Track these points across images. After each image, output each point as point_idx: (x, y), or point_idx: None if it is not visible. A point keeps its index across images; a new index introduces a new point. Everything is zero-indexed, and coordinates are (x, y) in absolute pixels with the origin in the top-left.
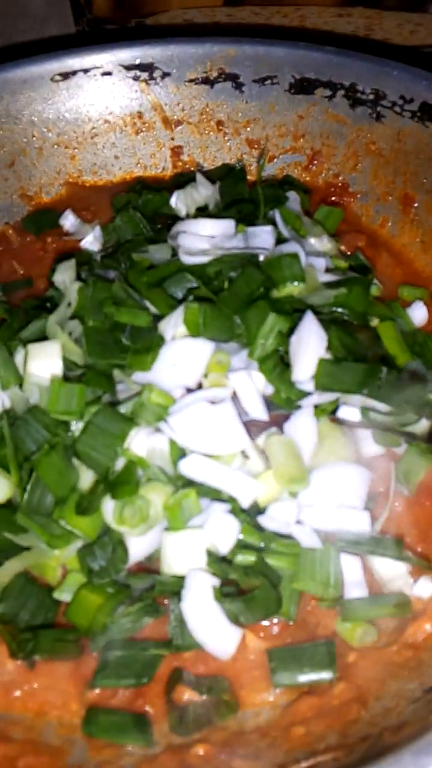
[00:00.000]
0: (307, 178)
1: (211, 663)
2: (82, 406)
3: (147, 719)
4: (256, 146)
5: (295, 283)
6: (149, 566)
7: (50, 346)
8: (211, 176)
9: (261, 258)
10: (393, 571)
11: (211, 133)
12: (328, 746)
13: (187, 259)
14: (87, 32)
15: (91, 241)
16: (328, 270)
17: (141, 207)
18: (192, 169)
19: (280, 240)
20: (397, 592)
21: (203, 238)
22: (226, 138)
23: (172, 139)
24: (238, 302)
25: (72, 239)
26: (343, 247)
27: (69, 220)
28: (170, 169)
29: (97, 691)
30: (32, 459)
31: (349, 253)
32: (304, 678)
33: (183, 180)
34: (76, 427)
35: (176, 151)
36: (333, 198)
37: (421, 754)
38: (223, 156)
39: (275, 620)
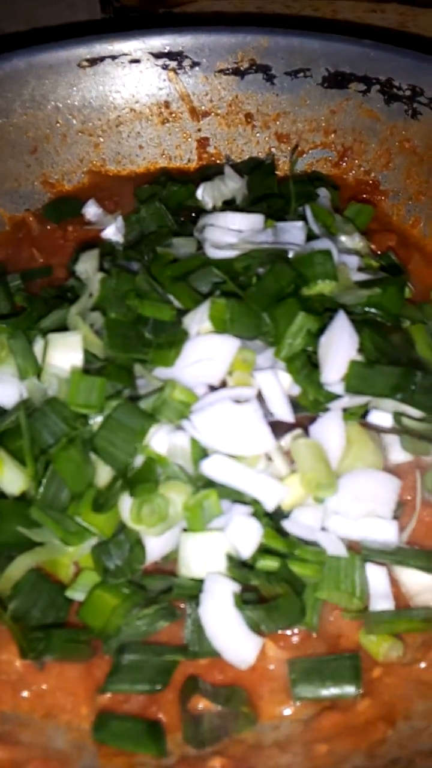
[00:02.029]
0: (337, 175)
1: (228, 671)
2: (103, 399)
3: (161, 727)
4: (285, 140)
5: (327, 281)
6: (165, 567)
7: (71, 337)
8: (238, 170)
9: (291, 254)
10: (421, 584)
11: (240, 125)
12: (354, 767)
13: (214, 253)
14: (114, 19)
15: (114, 231)
16: (360, 269)
17: (165, 199)
18: (218, 161)
19: (310, 237)
20: (425, 606)
21: (231, 232)
22: (254, 131)
23: (199, 130)
24: (267, 299)
25: (93, 229)
26: (373, 247)
27: (91, 210)
28: (195, 161)
29: (109, 695)
30: (49, 452)
31: (379, 252)
32: (327, 692)
33: (209, 172)
34: (95, 421)
35: (202, 143)
36: (363, 196)
37: None
38: (250, 149)
39: (296, 630)
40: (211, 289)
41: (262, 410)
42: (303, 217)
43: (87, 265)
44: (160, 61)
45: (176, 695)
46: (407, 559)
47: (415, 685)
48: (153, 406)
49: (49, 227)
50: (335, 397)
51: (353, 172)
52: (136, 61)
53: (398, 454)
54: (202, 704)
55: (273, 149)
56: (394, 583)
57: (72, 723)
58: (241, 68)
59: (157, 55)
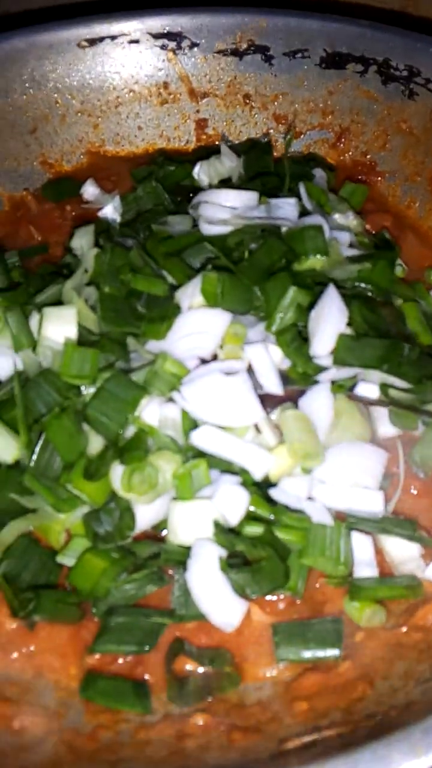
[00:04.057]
0: (335, 156)
1: (214, 635)
2: (95, 371)
3: (146, 686)
4: (283, 121)
5: (318, 256)
6: (156, 535)
7: (66, 311)
8: (236, 150)
9: (283, 230)
10: (405, 553)
11: (238, 106)
12: (333, 722)
13: (208, 229)
14: None
15: (111, 210)
16: (352, 245)
17: (162, 178)
18: (216, 143)
19: (303, 213)
20: (408, 574)
21: (225, 209)
22: (252, 112)
23: (198, 111)
24: (258, 273)
25: (91, 208)
26: (368, 227)
27: (89, 189)
28: (194, 142)
29: (97, 656)
30: (42, 421)
31: (374, 232)
32: (309, 654)
33: (206, 153)
34: (88, 392)
35: (201, 124)
36: (360, 177)
37: (430, 732)
38: (249, 131)
39: (282, 596)
40: (204, 264)
41: (252, 383)
42: (297, 195)
43: (82, 241)
44: (159, 42)
45: (163, 657)
46: (392, 528)
47: (396, 647)
48: (144, 378)
49: (47, 206)
50: (324, 369)
51: (350, 153)
52: (135, 41)
53: (386, 428)
54: (187, 665)
55: (271, 130)
56: (379, 552)
57: (60, 682)
58: (240, 49)
59: (156, 36)
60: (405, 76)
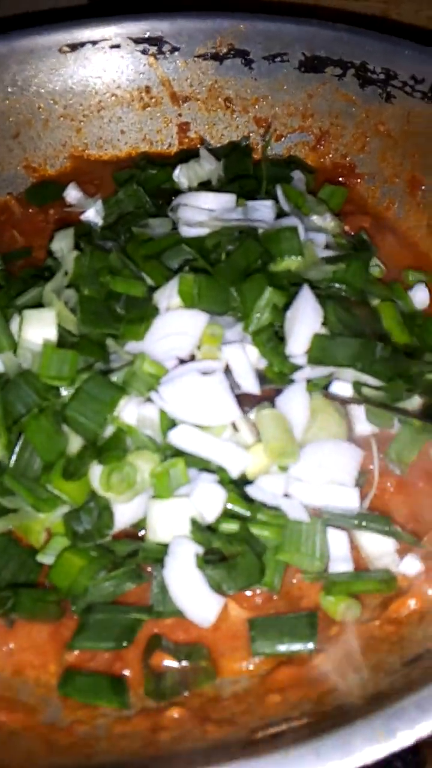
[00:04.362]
0: (315, 158)
1: (191, 631)
2: (74, 372)
3: (124, 682)
4: (264, 125)
5: (293, 257)
6: (135, 533)
7: (45, 314)
8: (216, 154)
9: (260, 232)
10: (380, 549)
11: (219, 110)
12: (303, 713)
13: (186, 231)
14: (99, 3)
15: (93, 214)
16: (328, 247)
17: (144, 182)
18: (199, 146)
19: (281, 215)
20: (383, 569)
21: (203, 211)
22: (234, 116)
23: (180, 115)
24: (235, 274)
25: (74, 212)
26: (347, 228)
27: (72, 193)
28: (176, 145)
29: (76, 653)
30: (21, 422)
31: (353, 234)
32: (284, 647)
33: (188, 156)
34: (67, 393)
35: (183, 128)
36: (340, 179)
37: (392, 719)
38: (230, 134)
39: (259, 591)
40: (182, 266)
41: (229, 382)
42: (275, 197)
43: (62, 244)
44: (140, 47)
45: (141, 653)
46: (367, 523)
47: (368, 640)
48: (123, 378)
49: (31, 210)
50: (299, 368)
51: (330, 155)
52: (117, 46)
53: (363, 426)
54: (165, 661)
55: (252, 134)
56: (355, 548)
57: (40, 679)
58: (220, 53)
59: (137, 41)
60: (382, 79)
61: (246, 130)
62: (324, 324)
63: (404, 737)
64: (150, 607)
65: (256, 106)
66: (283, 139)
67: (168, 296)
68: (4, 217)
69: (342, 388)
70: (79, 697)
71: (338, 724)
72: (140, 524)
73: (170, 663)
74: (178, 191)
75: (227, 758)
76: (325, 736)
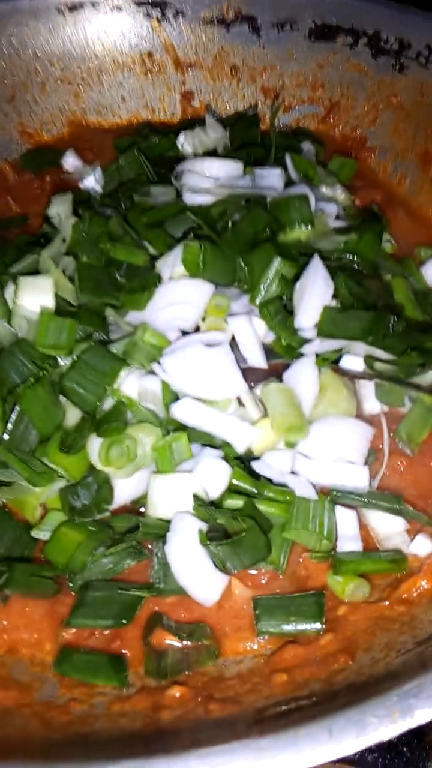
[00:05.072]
0: (324, 131)
1: (194, 609)
2: (72, 341)
3: (123, 660)
4: (271, 95)
5: (303, 227)
6: (135, 509)
7: (42, 281)
8: (222, 123)
9: (269, 201)
10: (390, 528)
11: (225, 79)
12: (312, 693)
13: (191, 199)
14: None
15: (92, 182)
16: (338, 218)
17: (146, 149)
18: (203, 115)
19: (289, 185)
20: (393, 549)
21: (208, 179)
22: (240, 85)
23: (183, 83)
24: (242, 244)
25: (72, 179)
26: (357, 202)
27: (70, 160)
28: (179, 115)
29: (73, 631)
30: (16, 392)
31: (363, 208)
32: (290, 627)
33: (192, 125)
34: (64, 363)
35: (187, 96)
36: (350, 152)
37: (408, 696)
38: (236, 104)
39: (264, 570)
40: (186, 234)
41: (235, 356)
42: (283, 166)
43: (59, 209)
44: (143, 9)
45: (141, 631)
46: (377, 502)
47: (378, 621)
48: (124, 349)
49: (26, 177)
50: (308, 342)
51: (340, 128)
52: (118, 8)
53: (372, 404)
54: (167, 640)
55: (259, 103)
56: (364, 527)
57: (35, 657)
58: (227, 19)
59: (139, 3)
60: (396, 49)
61: (253, 100)
62: (334, 296)
63: (422, 715)
64: (151, 584)
65: (264, 76)
66: (291, 110)
67: (171, 265)
68: None
69: (352, 362)
70: (77, 675)
71: (350, 702)
72: (141, 500)
73: (172, 642)
74: (181, 159)
75: (233, 736)
76: (337, 714)
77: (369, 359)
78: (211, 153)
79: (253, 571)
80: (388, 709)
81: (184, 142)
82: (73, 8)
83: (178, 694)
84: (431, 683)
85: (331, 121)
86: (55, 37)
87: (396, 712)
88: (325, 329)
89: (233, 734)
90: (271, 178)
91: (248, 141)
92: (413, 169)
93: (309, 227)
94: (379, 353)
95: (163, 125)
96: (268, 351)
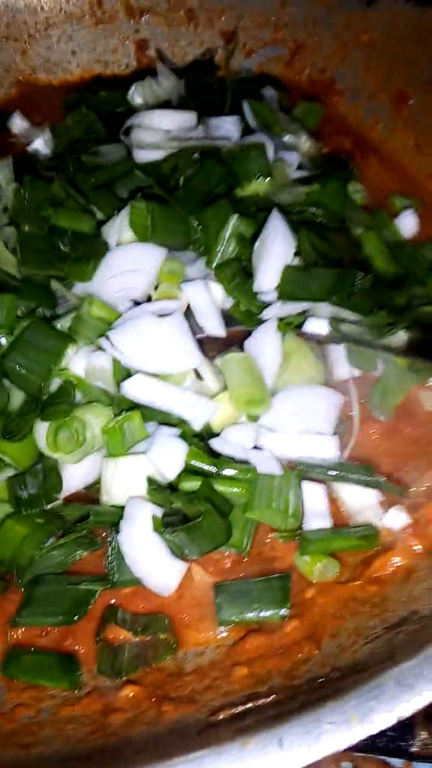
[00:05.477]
0: (290, 75)
1: (152, 600)
2: (12, 319)
3: (75, 660)
4: (231, 39)
5: (261, 179)
6: (88, 495)
7: None
8: (178, 73)
9: (224, 153)
10: (362, 502)
11: (181, 24)
12: (272, 688)
13: (141, 155)
14: None
15: (41, 144)
16: (302, 167)
17: (96, 105)
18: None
19: (248, 133)
20: (365, 523)
21: (159, 132)
22: (197, 30)
23: (137, 31)
24: (195, 201)
25: (19, 142)
26: (326, 150)
27: (17, 122)
28: (135, 66)
29: (22, 630)
30: None
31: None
32: (253, 615)
33: (145, 76)
34: (4, 342)
35: (141, 45)
36: (318, 97)
37: (368, 698)
38: (193, 51)
39: (227, 553)
40: (134, 194)
41: (190, 325)
42: (241, 114)
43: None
44: None
45: (95, 627)
46: (347, 474)
47: (348, 602)
48: (70, 324)
49: None
50: (269, 305)
51: (307, 71)
52: None
53: (342, 369)
54: (121, 635)
55: (219, 49)
56: (334, 503)
57: None
58: None
59: None
60: None
61: (212, 44)
62: (297, 254)
63: (381, 720)
64: (104, 575)
65: (222, 18)
66: (253, 54)
67: (118, 229)
68: None
69: (318, 326)
70: (25, 677)
71: (308, 703)
72: (96, 486)
73: (125, 636)
74: (133, 114)
75: (180, 748)
76: (291, 719)
77: (335, 321)
78: (165, 105)
79: (216, 556)
80: (346, 714)
81: (135, 95)
82: None
83: (131, 695)
84: (394, 681)
85: (297, 63)
86: None
87: (354, 716)
88: (286, 290)
89: (181, 745)
90: (226, 128)
91: (203, 89)
92: (386, 112)
93: (268, 179)
94: (347, 315)
95: (116, 78)
96: (227, 317)
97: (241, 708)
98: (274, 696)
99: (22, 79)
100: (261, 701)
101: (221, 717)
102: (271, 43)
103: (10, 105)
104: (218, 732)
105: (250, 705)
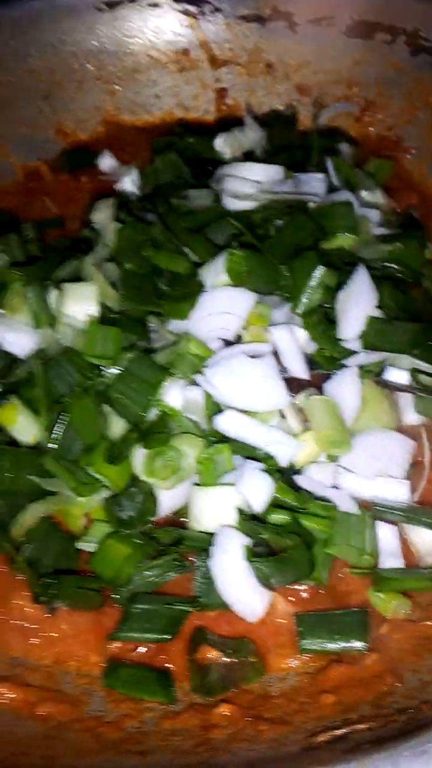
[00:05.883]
0: (358, 130)
1: (236, 624)
2: (118, 350)
3: (169, 675)
4: (306, 92)
5: (347, 235)
6: (176, 520)
7: (86, 288)
8: (258, 122)
9: (311, 207)
10: (430, 544)
11: (260, 75)
12: (362, 716)
13: (232, 204)
14: None
15: (129, 183)
16: (380, 225)
17: (182, 150)
18: (237, 114)
19: (331, 190)
20: None
21: (249, 183)
22: (275, 82)
23: (218, 80)
24: (285, 251)
25: (108, 180)
26: (394, 204)
27: (106, 160)
28: (213, 112)
29: (118, 644)
30: (64, 402)
31: (399, 210)
32: (334, 646)
33: (228, 124)
34: (109, 373)
35: (221, 93)
36: (385, 153)
37: None
38: (270, 101)
39: (305, 585)
40: (228, 241)
41: (277, 366)
42: (324, 170)
43: (102, 215)
44: (181, 6)
45: (185, 646)
46: (417, 517)
47: (423, 640)
48: (167, 359)
49: (62, 177)
50: (351, 353)
51: (375, 127)
52: (155, 5)
53: (411, 416)
54: (211, 655)
55: (294, 101)
56: (405, 543)
57: (81, 669)
58: (264, 15)
59: (178, 0)
60: None
61: (287, 97)
62: (379, 307)
63: None
64: (194, 598)
65: (299, 73)
66: (325, 108)
67: (215, 273)
68: (35, 184)
69: (398, 375)
70: (125, 690)
71: (407, 730)
72: (181, 511)
73: (215, 656)
74: (218, 161)
75: (288, 760)
76: (398, 744)
77: (415, 372)
78: (249, 154)
79: (295, 587)
80: None
81: (222, 144)
82: (111, 5)
83: (227, 713)
84: None
85: (366, 119)
86: (92, 34)
87: None
88: (370, 341)
89: (287, 761)
90: (313, 183)
91: (287, 143)
92: None
93: (353, 235)
94: (424, 366)
95: (197, 123)
96: (309, 361)
97: (338, 731)
98: (366, 723)
99: (109, 118)
100: (357, 726)
101: (320, 739)
102: (343, 98)
103: (98, 143)
104: (320, 754)
105: (346, 729)
